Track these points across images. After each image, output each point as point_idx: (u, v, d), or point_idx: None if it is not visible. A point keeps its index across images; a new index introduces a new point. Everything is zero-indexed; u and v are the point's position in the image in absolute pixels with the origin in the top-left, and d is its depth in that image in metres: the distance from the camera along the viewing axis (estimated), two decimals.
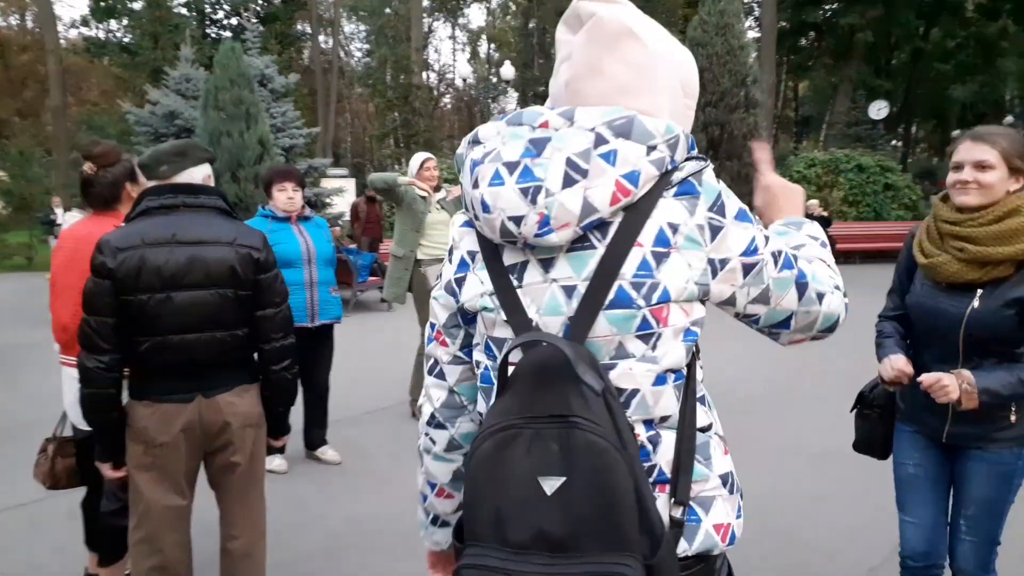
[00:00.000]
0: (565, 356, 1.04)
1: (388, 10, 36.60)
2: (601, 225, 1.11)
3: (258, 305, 2.39)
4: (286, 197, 4.33)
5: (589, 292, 1.11)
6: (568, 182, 1.09)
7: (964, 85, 35.72)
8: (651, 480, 1.14)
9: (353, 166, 27.69)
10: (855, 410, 2.51)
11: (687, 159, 1.16)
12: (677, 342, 1.15)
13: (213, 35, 27.05)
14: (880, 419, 2.43)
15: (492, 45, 48.06)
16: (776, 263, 1.19)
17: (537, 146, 1.13)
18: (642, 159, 1.09)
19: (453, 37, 49.35)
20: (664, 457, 1.17)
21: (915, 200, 15.16)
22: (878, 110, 21.56)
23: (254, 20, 13.47)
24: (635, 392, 1.13)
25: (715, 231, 1.13)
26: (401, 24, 34.76)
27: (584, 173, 1.09)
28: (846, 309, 1.30)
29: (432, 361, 1.36)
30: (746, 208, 1.18)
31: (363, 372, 6.72)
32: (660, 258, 1.11)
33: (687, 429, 1.19)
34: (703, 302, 1.19)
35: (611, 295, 1.10)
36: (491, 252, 1.21)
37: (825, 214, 13.68)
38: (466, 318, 1.29)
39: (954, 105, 38.02)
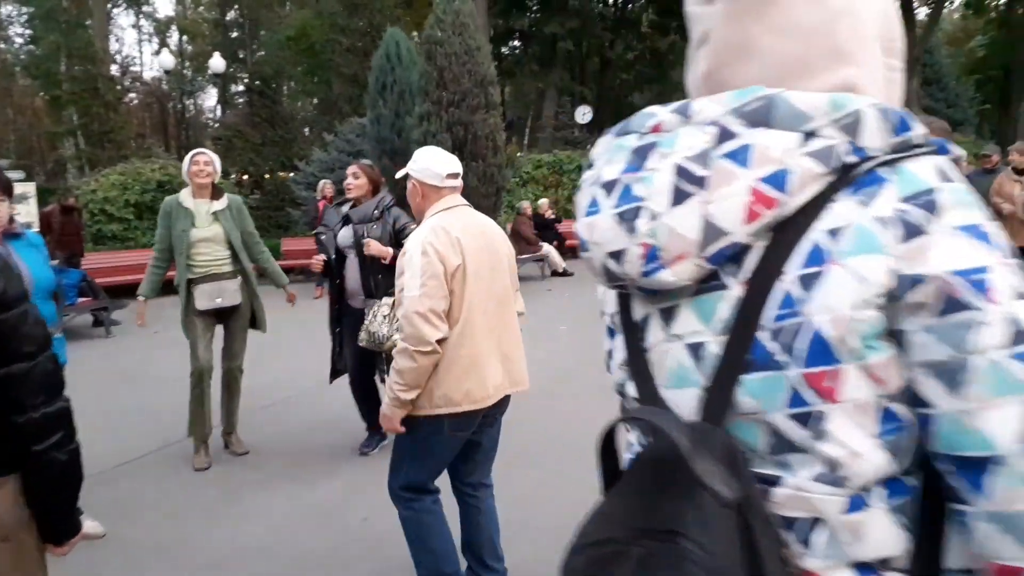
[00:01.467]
0: (679, 447, 0.72)
1: None
2: (737, 255, 0.78)
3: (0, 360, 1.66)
4: None
5: (727, 351, 0.79)
6: (679, 197, 0.79)
7: (643, 93, 40.23)
8: None
9: (20, 168, 23.77)
10: None
11: (906, 147, 0.77)
12: (863, 432, 0.74)
13: None
14: None
15: (184, 37, 44.35)
16: (1015, 338, 0.69)
17: (641, 156, 0.85)
18: (793, 153, 0.75)
19: (138, 26, 44.59)
20: None
21: None
22: (583, 115, 23.22)
23: None
24: (816, 523, 0.76)
25: (910, 229, 0.72)
26: (74, 8, 30.55)
27: (700, 182, 0.78)
28: None
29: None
30: (989, 229, 0.73)
31: (101, 416, 5.56)
32: (810, 282, 0.74)
33: None
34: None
35: (749, 352, 0.78)
36: (623, 307, 0.92)
37: (553, 215, 14.32)
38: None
39: (634, 111, 42.60)
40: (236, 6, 33.61)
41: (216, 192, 4.58)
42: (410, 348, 2.43)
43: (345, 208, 4.55)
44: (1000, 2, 26.84)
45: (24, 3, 32.18)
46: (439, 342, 2.45)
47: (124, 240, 13.12)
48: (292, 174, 16.30)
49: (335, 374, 4.75)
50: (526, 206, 13.37)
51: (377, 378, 4.48)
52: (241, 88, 31.09)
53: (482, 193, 11.07)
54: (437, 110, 11.14)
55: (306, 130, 23.47)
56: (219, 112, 39.03)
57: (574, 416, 5.23)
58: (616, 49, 32.68)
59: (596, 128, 28.14)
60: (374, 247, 4.26)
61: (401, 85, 12.82)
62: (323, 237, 4.66)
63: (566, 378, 6.04)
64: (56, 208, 11.06)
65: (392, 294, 4.25)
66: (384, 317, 4.10)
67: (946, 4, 24.62)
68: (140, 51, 49.07)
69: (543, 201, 14.35)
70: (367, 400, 4.65)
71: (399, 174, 2.82)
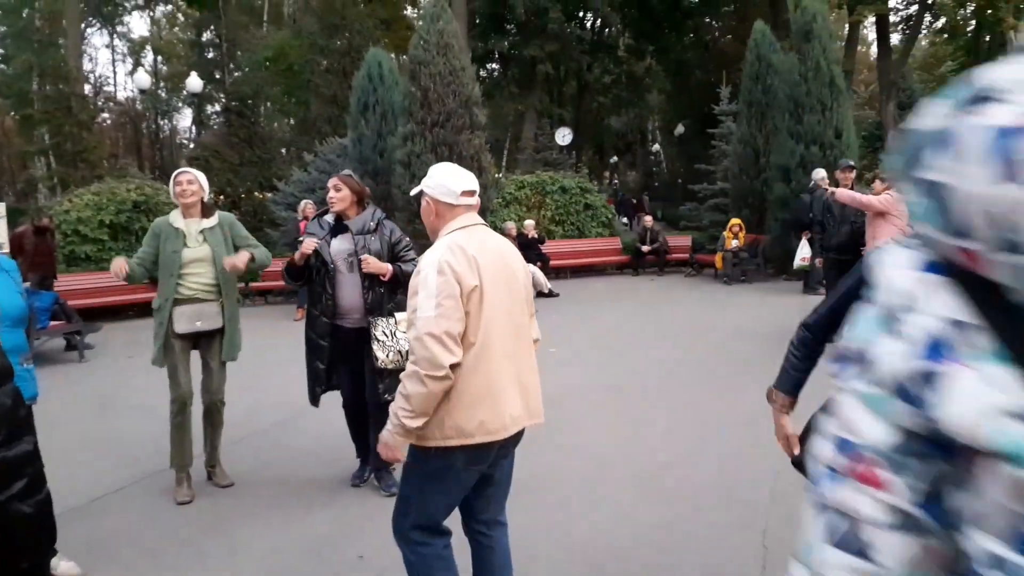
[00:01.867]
0: None
1: (27, 11, 31.49)
2: None
3: None
4: None
5: None
6: None
7: (620, 116, 40.49)
8: None
9: None
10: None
11: None
12: None
13: None
14: None
15: (159, 57, 44.02)
16: None
17: None
18: None
19: (111, 47, 44.17)
20: None
21: (610, 218, 16.45)
22: (563, 136, 23.22)
23: None
24: None
25: None
26: (47, 27, 30.17)
27: None
28: None
29: (843, 521, 0.71)
30: None
31: (75, 446, 5.31)
32: None
33: None
34: None
35: None
36: (1011, 324, 0.60)
37: (536, 234, 14.20)
38: (946, 448, 0.65)
39: (611, 134, 42.91)
40: (212, 27, 33.41)
41: (206, 210, 4.40)
42: (421, 372, 2.24)
43: (329, 218, 4.27)
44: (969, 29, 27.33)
45: None
46: (452, 368, 2.28)
47: (98, 261, 12.75)
48: (271, 194, 16.05)
49: (317, 394, 4.34)
50: (511, 226, 13.24)
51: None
52: (217, 109, 30.82)
53: None
54: (421, 130, 11.03)
55: (284, 151, 23.23)
56: (194, 132, 38.70)
57: (571, 443, 5.06)
58: (593, 73, 32.89)
59: (574, 150, 28.28)
60: (373, 264, 4.05)
61: (383, 105, 12.72)
62: None
63: (559, 402, 5.87)
64: (29, 229, 10.73)
65: (403, 310, 4.07)
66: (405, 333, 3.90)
67: (923, 29, 25.02)
68: (114, 71, 48.52)
69: (529, 222, 14.22)
70: (361, 428, 4.43)
71: (414, 191, 2.65)
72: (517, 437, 2.51)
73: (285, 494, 4.38)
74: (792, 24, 13.21)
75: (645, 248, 15.15)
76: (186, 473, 4.38)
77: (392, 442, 2.38)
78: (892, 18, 23.38)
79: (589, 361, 7.63)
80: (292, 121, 30.71)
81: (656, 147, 44.31)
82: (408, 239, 4.34)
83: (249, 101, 21.69)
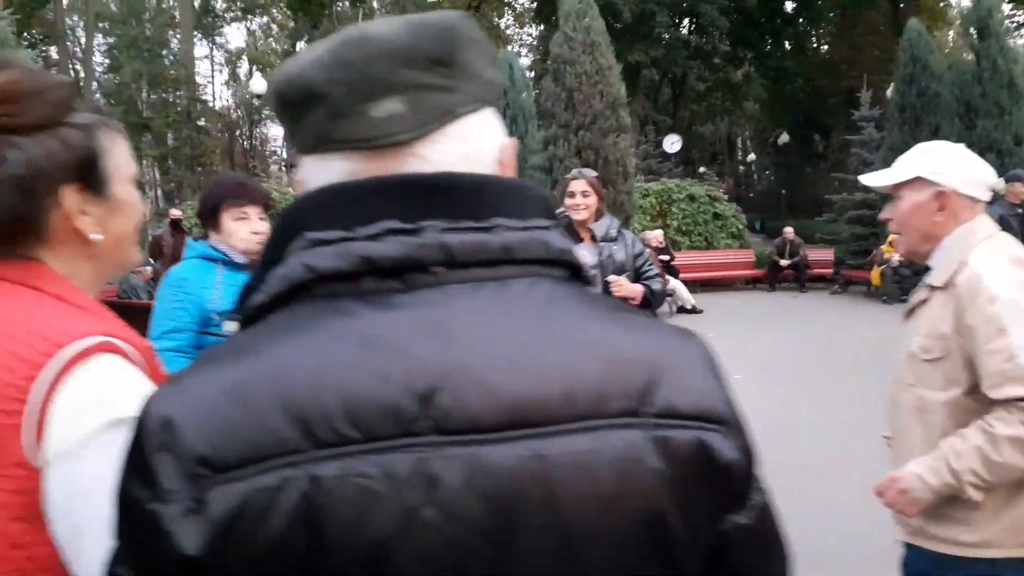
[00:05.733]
0: None
1: (135, 20, 32.46)
2: None
3: None
4: (250, 230, 2.51)
5: None
6: None
7: (714, 124, 39.46)
8: None
9: None
10: None
11: None
12: None
13: None
14: None
15: (254, 67, 45.02)
16: None
17: None
18: None
19: (211, 57, 45.43)
20: None
21: (740, 229, 15.56)
22: (672, 144, 22.39)
23: None
24: None
25: None
26: (157, 36, 31.05)
27: None
28: None
29: None
30: None
31: None
32: None
33: None
34: None
35: None
36: None
37: (663, 245, 13.40)
38: None
39: (703, 142, 41.82)
40: (307, 37, 33.97)
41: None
42: None
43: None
44: None
45: (107, 33, 32.83)
46: None
47: None
48: None
49: None
50: (651, 237, 12.39)
51: None
52: None
53: None
54: (565, 133, 10.45)
55: None
56: (281, 141, 39.27)
57: (812, 504, 4.22)
58: (689, 79, 31.99)
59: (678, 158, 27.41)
60: (625, 287, 3.36)
61: (514, 109, 12.21)
62: None
63: (793, 445, 5.10)
64: (166, 231, 10.60)
65: None
66: None
67: None
68: (212, 80, 49.79)
69: (656, 232, 13.43)
70: None
71: (896, 177, 1.84)
72: None
73: None
74: (963, 21, 12.16)
75: (784, 262, 14.18)
76: None
77: (919, 495, 1.63)
78: None
79: (781, 390, 6.80)
80: None
81: (751, 156, 42.94)
82: (648, 251, 3.67)
83: None
